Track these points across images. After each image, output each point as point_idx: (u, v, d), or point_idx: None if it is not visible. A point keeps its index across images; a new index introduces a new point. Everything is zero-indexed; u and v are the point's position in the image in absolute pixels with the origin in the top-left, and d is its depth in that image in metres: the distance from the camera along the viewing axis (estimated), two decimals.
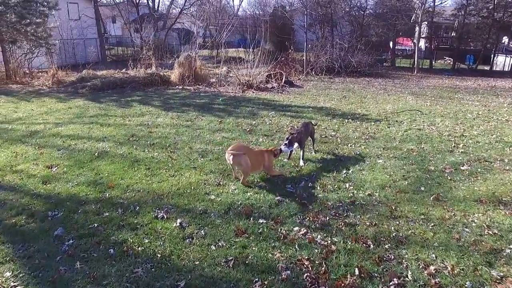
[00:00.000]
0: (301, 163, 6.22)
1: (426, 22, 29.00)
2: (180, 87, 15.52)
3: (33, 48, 18.44)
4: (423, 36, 31.50)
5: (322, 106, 11.73)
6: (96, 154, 6.58)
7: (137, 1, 31.33)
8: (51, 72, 18.26)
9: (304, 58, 20.39)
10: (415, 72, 23.99)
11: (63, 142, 7.50)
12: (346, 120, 9.68)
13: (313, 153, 6.85)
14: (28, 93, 14.12)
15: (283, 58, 19.75)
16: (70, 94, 13.78)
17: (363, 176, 5.67)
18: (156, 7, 35.53)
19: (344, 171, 5.85)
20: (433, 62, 30.20)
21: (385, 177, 5.62)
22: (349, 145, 7.46)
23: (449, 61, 35.79)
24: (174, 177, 5.54)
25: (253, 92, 14.38)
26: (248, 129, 8.58)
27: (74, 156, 6.51)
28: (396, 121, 9.71)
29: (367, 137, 8.12)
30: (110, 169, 5.88)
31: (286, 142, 5.96)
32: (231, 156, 5.10)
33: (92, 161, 6.25)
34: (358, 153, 6.89)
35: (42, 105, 11.68)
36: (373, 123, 9.45)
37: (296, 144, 6.16)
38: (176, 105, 11.61)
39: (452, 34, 35.12)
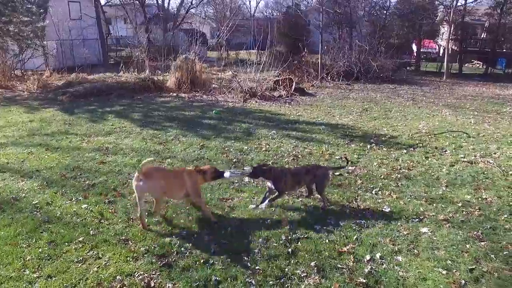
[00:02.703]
0: (262, 205, 4.45)
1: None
2: (175, 94, 13.45)
3: (20, 49, 16.74)
4: (451, 37, 28.60)
5: (337, 122, 9.40)
6: None
7: (143, 1, 29.58)
8: (43, 75, 16.65)
9: (319, 61, 18.03)
10: (445, 78, 21.30)
11: None
12: (369, 146, 7.33)
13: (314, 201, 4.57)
14: (2, 100, 12.33)
15: (295, 61, 17.46)
16: (46, 102, 11.89)
17: (401, 271, 3.34)
18: (166, 6, 33.84)
19: (368, 257, 3.53)
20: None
21: (439, 275, 3.28)
22: (373, 192, 5.14)
23: (477, 65, 32.80)
24: (82, 263, 3.36)
25: (256, 102, 12.16)
26: (234, 159, 6.36)
27: None
28: (436, 147, 7.30)
29: (399, 175, 5.77)
30: None
31: (247, 168, 4.52)
32: (135, 183, 3.87)
33: None
34: (388, 210, 4.56)
35: (4, 116, 9.79)
36: (404, 151, 7.08)
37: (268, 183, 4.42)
38: (158, 119, 9.50)
39: (482, 35, 32.08)
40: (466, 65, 30.83)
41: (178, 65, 14.50)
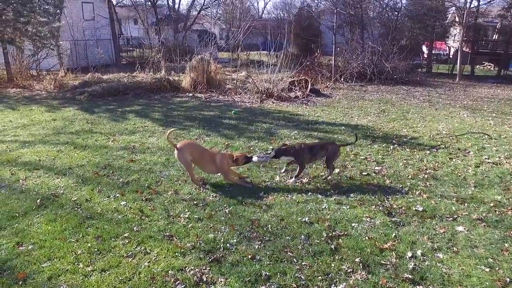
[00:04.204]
0: (291, 180, 5.34)
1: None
2: (191, 94, 13.56)
3: (36, 49, 16.98)
4: (464, 39, 28.44)
5: (357, 123, 9.45)
6: (39, 200, 4.59)
7: (155, 1, 29.83)
8: (58, 74, 16.87)
9: (333, 63, 18.07)
10: (458, 80, 21.19)
11: (12, 174, 5.58)
12: (392, 147, 7.38)
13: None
14: (22, 99, 12.53)
15: (308, 63, 17.50)
16: (65, 101, 12.06)
17: (444, 268, 3.40)
18: (177, 7, 34.06)
19: (409, 254, 3.59)
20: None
21: (483, 273, 3.34)
22: (403, 191, 5.20)
23: (489, 67, 32.61)
24: (132, 258, 3.46)
25: (273, 103, 12.23)
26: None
27: (9, 203, 4.55)
28: (459, 149, 7.33)
29: (426, 175, 5.82)
30: (43, 233, 3.86)
31: (270, 151, 5.48)
32: (176, 151, 5.10)
33: (28, 214, 4.26)
34: (421, 209, 4.61)
35: (26, 115, 9.96)
36: (428, 151, 7.12)
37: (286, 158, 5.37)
38: (179, 119, 9.62)
39: (494, 37, 31.88)
40: (477, 66, 30.65)
41: (194, 65, 14.63)
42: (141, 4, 31.38)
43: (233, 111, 10.45)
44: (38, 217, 4.19)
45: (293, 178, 5.36)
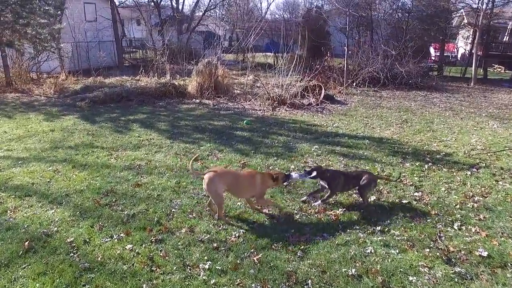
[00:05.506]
0: (317, 202, 4.90)
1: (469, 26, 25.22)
2: (198, 100, 12.81)
3: (35, 52, 16.29)
4: (472, 41, 27.57)
5: (380, 135, 8.68)
6: (28, 242, 3.82)
7: (159, 1, 29.11)
8: (59, 78, 16.22)
9: (345, 67, 17.27)
10: (472, 84, 20.38)
11: (0, 203, 4.84)
12: (426, 165, 6.59)
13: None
14: (20, 105, 11.81)
15: (318, 66, 16.71)
16: (66, 108, 11.34)
17: None
18: (180, 8, 33.33)
19: None
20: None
21: None
22: (455, 227, 4.42)
23: (499, 69, 31.80)
24: None
25: (286, 111, 11.46)
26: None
27: None
28: (502, 168, 6.54)
29: (476, 205, 5.04)
30: None
31: (309, 169, 4.80)
32: (206, 182, 4.28)
33: (12, 264, 3.50)
34: (486, 254, 3.84)
35: (23, 124, 9.24)
36: (468, 172, 6.33)
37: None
38: (187, 130, 8.87)
39: (505, 39, 31.07)
40: (487, 69, 29.80)
41: (200, 69, 13.88)
42: (145, 4, 30.68)
43: (245, 121, 9.69)
44: (24, 268, 3.43)
45: (319, 201, 4.93)
